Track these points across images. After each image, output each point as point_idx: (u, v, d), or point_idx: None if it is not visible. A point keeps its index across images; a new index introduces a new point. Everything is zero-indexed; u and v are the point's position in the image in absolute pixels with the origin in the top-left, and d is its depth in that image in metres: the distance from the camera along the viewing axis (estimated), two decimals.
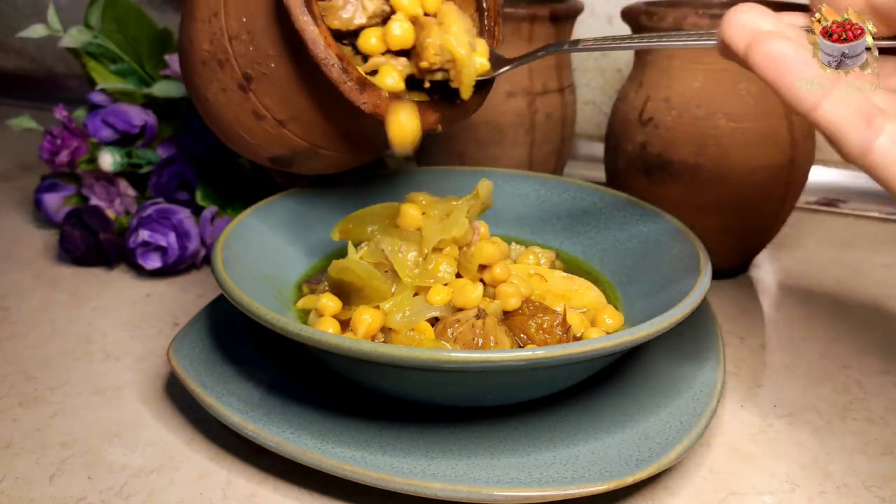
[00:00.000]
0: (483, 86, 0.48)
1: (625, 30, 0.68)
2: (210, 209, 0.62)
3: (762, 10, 0.33)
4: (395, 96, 0.44)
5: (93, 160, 0.63)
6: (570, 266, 0.52)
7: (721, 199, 0.56)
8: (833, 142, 0.33)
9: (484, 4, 0.50)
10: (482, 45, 0.47)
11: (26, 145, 0.88)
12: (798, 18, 0.35)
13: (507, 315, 0.43)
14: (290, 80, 0.45)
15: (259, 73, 0.45)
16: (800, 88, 0.31)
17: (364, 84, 0.43)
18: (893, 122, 0.32)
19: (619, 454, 0.37)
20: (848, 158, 0.33)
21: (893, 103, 0.33)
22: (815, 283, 0.62)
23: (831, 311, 0.57)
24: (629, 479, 0.35)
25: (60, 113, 0.64)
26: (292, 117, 0.47)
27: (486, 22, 0.50)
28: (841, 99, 0.32)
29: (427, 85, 0.46)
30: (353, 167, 0.53)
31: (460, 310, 0.42)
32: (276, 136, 0.48)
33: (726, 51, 0.34)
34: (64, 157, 0.64)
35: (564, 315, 0.42)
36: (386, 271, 0.44)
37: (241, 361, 0.44)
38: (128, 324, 0.54)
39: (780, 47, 0.31)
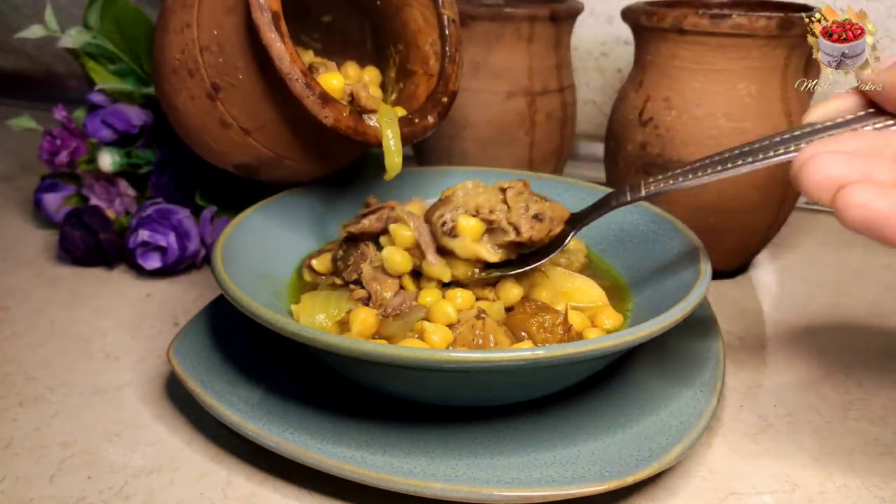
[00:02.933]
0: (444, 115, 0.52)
1: (624, 29, 0.68)
2: (210, 209, 0.62)
3: (837, 155, 0.31)
4: (357, 112, 0.47)
5: (92, 160, 0.63)
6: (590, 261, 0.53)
7: (721, 199, 0.56)
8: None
9: (446, 32, 0.52)
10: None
11: (26, 145, 0.88)
12: (861, 139, 0.32)
13: (509, 312, 0.43)
14: (257, 92, 0.47)
15: (227, 83, 0.47)
16: None
17: (326, 99, 0.45)
18: None
19: (619, 454, 0.37)
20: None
21: None
22: (815, 283, 0.62)
23: (831, 311, 0.57)
24: (629, 479, 0.35)
25: (60, 113, 0.64)
26: (257, 127, 0.48)
27: (448, 48, 0.52)
28: None
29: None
30: (322, 176, 0.55)
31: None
32: (242, 145, 0.49)
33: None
34: (64, 157, 0.64)
35: (566, 315, 0.42)
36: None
37: (241, 361, 0.44)
38: (128, 324, 0.54)
39: (869, 201, 0.29)
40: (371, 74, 0.56)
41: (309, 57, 0.54)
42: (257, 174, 0.53)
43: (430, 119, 0.51)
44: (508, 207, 0.44)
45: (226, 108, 0.48)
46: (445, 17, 0.52)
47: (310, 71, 0.50)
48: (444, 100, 0.52)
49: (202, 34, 0.47)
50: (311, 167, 0.52)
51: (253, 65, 0.46)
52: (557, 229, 0.44)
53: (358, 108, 0.48)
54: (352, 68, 0.55)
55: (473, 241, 0.44)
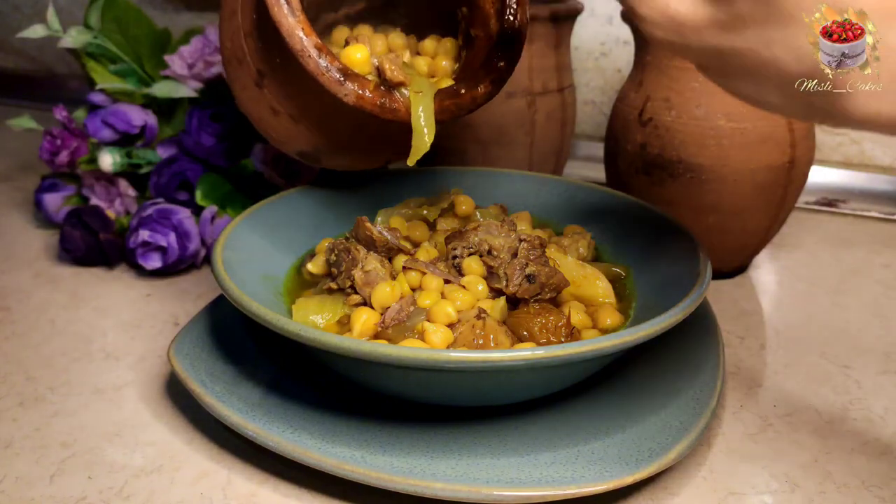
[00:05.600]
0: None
1: (624, 29, 0.68)
2: (210, 209, 0.62)
3: None
4: (386, 87, 0.42)
5: (93, 160, 0.63)
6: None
7: (721, 199, 0.56)
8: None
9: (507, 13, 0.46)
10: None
11: (26, 145, 0.88)
12: None
13: (512, 310, 0.44)
14: (295, 76, 0.44)
15: (269, 69, 0.45)
16: None
17: (346, 74, 0.41)
18: None
19: (619, 454, 0.37)
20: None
21: None
22: (815, 283, 0.62)
23: (831, 311, 0.57)
24: (629, 479, 0.35)
25: (60, 113, 0.64)
26: (303, 113, 0.46)
27: (508, 3, 0.46)
28: None
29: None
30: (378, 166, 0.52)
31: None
32: (295, 133, 0.47)
33: None
34: (64, 157, 0.64)
35: (569, 317, 0.42)
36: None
37: (241, 361, 0.44)
38: (128, 324, 0.54)
39: None
40: (447, 45, 0.50)
41: (343, 33, 0.50)
42: (320, 162, 0.50)
43: (481, 88, 0.44)
44: (514, 257, 0.44)
45: (272, 96, 0.45)
46: None
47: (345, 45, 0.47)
48: (501, 64, 0.45)
49: (245, 20, 0.45)
50: (369, 155, 0.49)
51: (283, 43, 0.43)
52: (548, 295, 0.44)
53: (385, 82, 0.43)
54: (397, 38, 0.50)
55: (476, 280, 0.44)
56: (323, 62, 0.41)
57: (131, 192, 0.64)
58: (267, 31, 0.44)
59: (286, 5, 0.40)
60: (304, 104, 0.46)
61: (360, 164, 0.51)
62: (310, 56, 0.41)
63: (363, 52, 0.44)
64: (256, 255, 0.48)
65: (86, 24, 0.66)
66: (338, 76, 0.41)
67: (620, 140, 0.59)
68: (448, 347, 0.40)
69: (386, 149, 0.50)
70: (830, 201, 0.79)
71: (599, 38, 0.86)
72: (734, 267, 0.62)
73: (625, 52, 0.85)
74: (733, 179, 0.55)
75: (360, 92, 0.41)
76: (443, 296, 0.44)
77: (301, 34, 0.40)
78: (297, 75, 0.43)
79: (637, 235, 0.51)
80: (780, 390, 0.47)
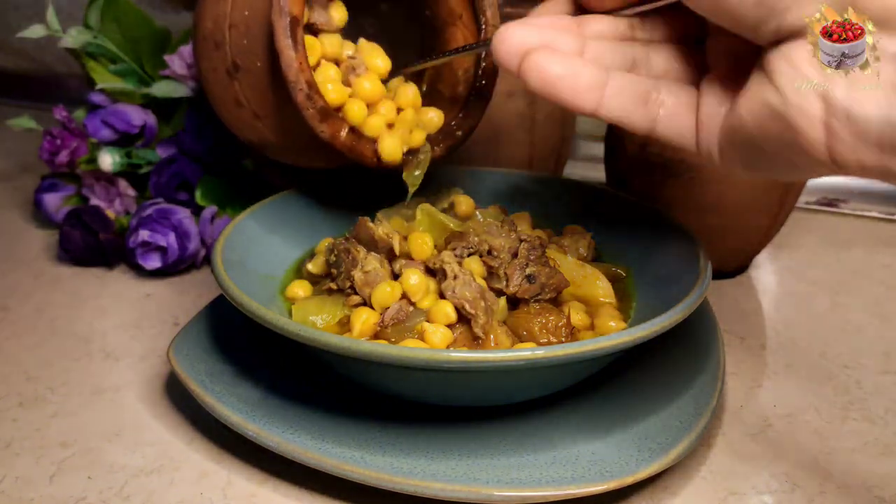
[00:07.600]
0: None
1: None
2: (210, 209, 0.62)
3: (528, 25, 0.35)
4: (357, 133, 0.46)
5: (93, 160, 0.63)
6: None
7: (721, 199, 0.56)
8: (624, 130, 0.35)
9: (482, 63, 0.50)
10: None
11: (26, 145, 0.88)
12: (562, 20, 0.36)
13: (512, 310, 0.44)
14: (272, 83, 0.46)
15: (246, 65, 0.47)
16: (575, 98, 0.33)
17: (327, 114, 0.44)
18: (667, 90, 0.35)
19: (619, 454, 0.37)
20: (642, 137, 0.35)
21: (668, 61, 0.35)
22: (815, 283, 0.62)
23: (831, 311, 0.57)
24: (629, 479, 0.35)
25: (60, 113, 0.64)
26: (267, 114, 0.48)
27: (479, 82, 0.51)
28: (615, 91, 0.34)
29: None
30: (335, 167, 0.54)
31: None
32: (252, 127, 0.50)
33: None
34: (64, 157, 0.64)
35: (569, 317, 0.42)
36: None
37: (241, 361, 0.44)
38: (128, 324, 0.54)
39: (546, 64, 0.33)
40: (408, 94, 0.52)
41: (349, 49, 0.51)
42: (265, 153, 0.53)
43: (437, 150, 0.50)
44: (514, 257, 0.44)
45: (241, 89, 0.48)
46: (484, 49, 0.50)
47: (352, 67, 0.49)
48: (459, 133, 0.51)
49: (234, 11, 0.47)
50: (317, 162, 0.52)
51: (272, 56, 0.45)
52: (548, 296, 0.44)
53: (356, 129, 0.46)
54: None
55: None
56: (310, 98, 0.43)
57: (131, 192, 0.64)
58: (258, 38, 0.45)
59: (290, 38, 0.43)
60: (272, 108, 0.48)
61: (306, 165, 0.53)
62: (300, 90, 0.43)
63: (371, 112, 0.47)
64: (256, 255, 0.48)
65: (86, 24, 0.66)
66: (318, 114, 0.44)
67: (620, 140, 0.59)
68: (448, 347, 0.40)
69: (331, 161, 0.52)
70: (830, 201, 0.79)
71: None
72: (734, 267, 0.62)
73: None
74: (733, 179, 0.55)
75: (335, 133, 0.45)
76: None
77: (297, 67, 0.43)
78: (275, 86, 0.46)
79: (637, 235, 0.51)
80: (780, 390, 0.47)
